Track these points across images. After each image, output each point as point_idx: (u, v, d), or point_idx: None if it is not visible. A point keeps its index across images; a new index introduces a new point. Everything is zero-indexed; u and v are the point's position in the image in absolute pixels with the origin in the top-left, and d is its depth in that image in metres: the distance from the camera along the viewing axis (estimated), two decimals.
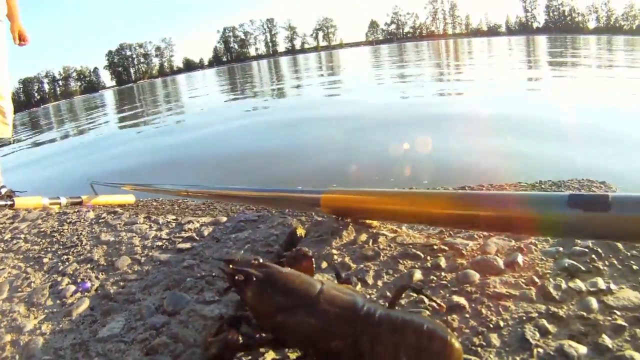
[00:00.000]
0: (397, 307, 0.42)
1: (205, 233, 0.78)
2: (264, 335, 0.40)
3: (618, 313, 0.41)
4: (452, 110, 3.85)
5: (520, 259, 0.52)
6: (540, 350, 0.38)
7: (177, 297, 0.56)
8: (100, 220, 0.95)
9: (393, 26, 79.28)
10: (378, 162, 2.39)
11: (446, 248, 0.58)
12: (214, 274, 0.61)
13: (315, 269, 0.53)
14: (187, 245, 0.74)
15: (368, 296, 0.50)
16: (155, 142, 4.46)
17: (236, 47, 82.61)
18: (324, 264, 0.59)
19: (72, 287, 0.65)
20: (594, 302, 0.43)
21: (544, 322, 0.41)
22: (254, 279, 0.40)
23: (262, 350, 0.43)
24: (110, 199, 1.65)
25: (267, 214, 0.85)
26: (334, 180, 1.98)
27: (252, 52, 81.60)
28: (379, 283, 0.53)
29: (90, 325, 0.54)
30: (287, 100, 6.98)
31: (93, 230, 0.90)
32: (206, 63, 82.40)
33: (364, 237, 0.65)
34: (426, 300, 0.46)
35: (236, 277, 0.41)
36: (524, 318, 0.42)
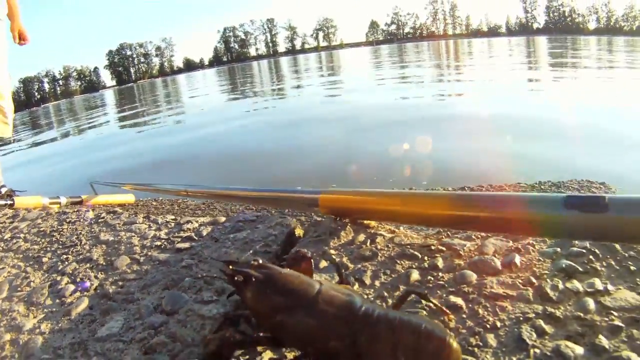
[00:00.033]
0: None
1: (204, 233, 0.78)
2: (262, 334, 0.40)
3: (615, 314, 0.41)
4: (452, 111, 3.84)
5: (517, 259, 0.52)
6: (537, 350, 0.38)
7: (176, 296, 0.57)
8: (99, 220, 0.95)
9: (393, 26, 79.26)
10: (378, 163, 2.39)
11: (444, 248, 0.58)
12: (214, 275, 0.61)
13: (314, 269, 0.53)
14: (186, 245, 0.74)
15: (365, 296, 0.51)
16: (155, 141, 4.45)
17: (236, 47, 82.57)
18: (324, 264, 0.59)
19: (72, 287, 0.65)
20: (591, 303, 0.43)
21: (541, 322, 0.41)
22: (254, 279, 0.40)
23: (259, 349, 0.43)
24: (110, 198, 1.65)
25: (266, 214, 0.85)
26: (333, 181, 1.98)
27: (252, 52, 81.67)
28: (377, 283, 0.53)
29: (89, 325, 0.54)
30: (287, 101, 6.97)
31: (92, 229, 0.90)
32: (206, 63, 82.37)
33: (361, 237, 0.65)
34: (431, 305, 0.45)
35: (236, 278, 0.41)
36: (521, 318, 0.42)
